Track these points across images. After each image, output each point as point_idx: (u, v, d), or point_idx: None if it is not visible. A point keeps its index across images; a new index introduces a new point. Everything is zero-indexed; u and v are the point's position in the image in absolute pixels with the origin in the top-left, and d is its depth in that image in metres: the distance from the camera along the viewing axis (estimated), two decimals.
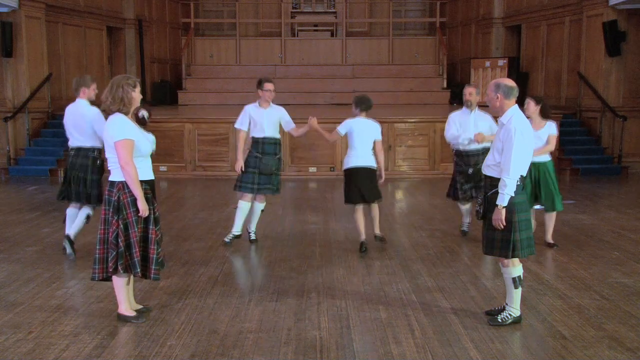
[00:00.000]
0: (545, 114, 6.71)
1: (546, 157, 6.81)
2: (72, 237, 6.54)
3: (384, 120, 12.33)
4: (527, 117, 5.76)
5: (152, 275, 4.70)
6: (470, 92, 7.00)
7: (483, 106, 6.31)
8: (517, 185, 4.52)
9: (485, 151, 6.57)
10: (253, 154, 6.94)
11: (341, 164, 12.37)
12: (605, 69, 12.76)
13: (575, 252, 6.80)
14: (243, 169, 6.91)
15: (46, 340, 4.46)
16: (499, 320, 4.74)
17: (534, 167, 6.51)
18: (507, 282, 4.75)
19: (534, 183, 6.76)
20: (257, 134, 6.92)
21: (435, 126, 12.14)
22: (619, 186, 11.48)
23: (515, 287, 4.70)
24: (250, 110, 6.98)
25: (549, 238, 6.99)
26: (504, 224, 4.55)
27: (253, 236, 7.24)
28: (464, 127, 6.97)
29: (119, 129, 4.53)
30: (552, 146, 6.77)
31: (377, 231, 7.02)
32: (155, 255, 4.67)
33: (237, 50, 18.47)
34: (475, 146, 6.94)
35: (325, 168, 12.30)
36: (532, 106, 6.68)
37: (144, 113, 6.12)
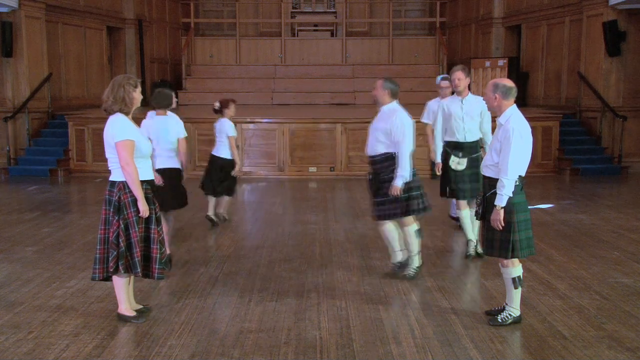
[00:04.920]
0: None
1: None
2: None
3: None
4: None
5: (155, 275, 4.71)
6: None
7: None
8: (516, 185, 4.52)
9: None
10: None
11: (341, 164, 12.52)
12: (605, 69, 12.76)
13: (575, 252, 6.80)
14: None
15: (46, 340, 4.46)
16: (499, 320, 4.74)
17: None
18: (506, 282, 4.75)
19: None
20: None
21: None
22: (619, 186, 11.48)
23: (515, 287, 4.70)
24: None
25: None
26: (503, 224, 4.55)
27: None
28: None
29: (120, 129, 4.54)
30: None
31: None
32: (158, 255, 4.68)
33: (237, 50, 18.48)
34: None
35: (325, 168, 12.29)
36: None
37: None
